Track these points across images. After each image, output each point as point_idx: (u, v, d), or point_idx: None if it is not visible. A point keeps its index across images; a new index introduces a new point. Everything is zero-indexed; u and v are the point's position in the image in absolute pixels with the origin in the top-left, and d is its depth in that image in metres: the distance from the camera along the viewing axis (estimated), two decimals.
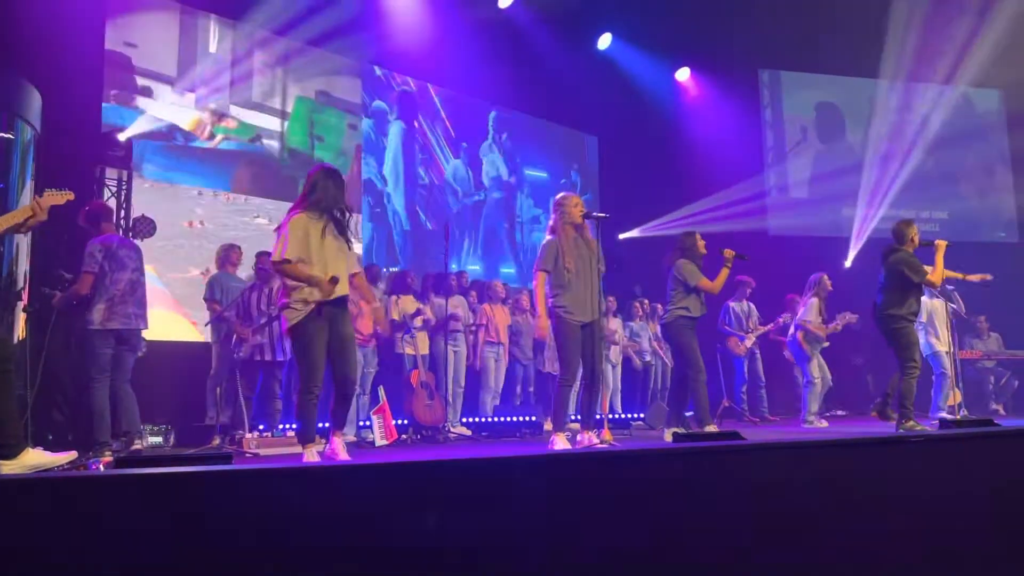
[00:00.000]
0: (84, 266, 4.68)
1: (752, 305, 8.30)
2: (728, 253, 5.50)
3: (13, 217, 3.44)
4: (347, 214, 4.12)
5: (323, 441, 4.55)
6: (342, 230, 4.07)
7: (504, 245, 10.07)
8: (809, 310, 7.30)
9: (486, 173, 9.98)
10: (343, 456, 3.97)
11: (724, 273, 5.45)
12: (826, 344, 7.41)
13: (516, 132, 10.41)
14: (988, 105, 11.81)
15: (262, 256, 5.92)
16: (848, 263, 10.32)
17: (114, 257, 4.73)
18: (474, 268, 9.35)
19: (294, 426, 5.79)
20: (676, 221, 10.23)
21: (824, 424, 7.16)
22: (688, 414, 5.82)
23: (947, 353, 7.21)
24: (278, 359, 5.90)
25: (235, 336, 5.75)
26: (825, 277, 7.45)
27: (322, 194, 4.00)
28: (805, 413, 7.26)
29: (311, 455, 3.92)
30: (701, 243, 5.61)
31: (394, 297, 6.70)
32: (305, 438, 3.97)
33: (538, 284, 4.66)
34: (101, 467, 3.47)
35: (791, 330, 7.46)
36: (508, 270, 9.97)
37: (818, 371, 7.29)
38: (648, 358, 8.60)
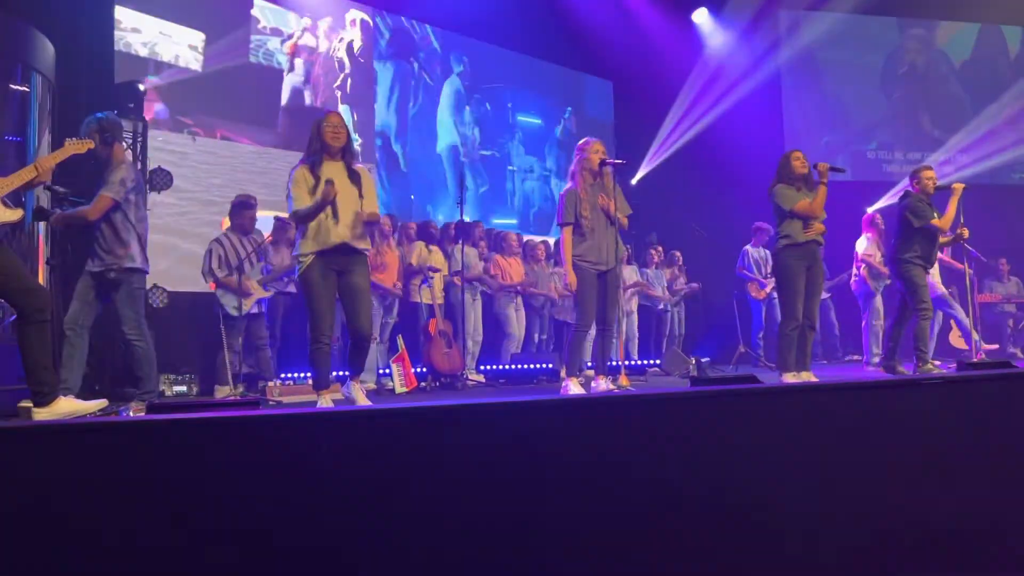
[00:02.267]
0: (106, 189, 3.97)
1: (769, 252, 8.26)
2: (822, 167, 4.94)
3: (18, 178, 3.44)
4: (347, 160, 4.01)
5: (339, 387, 4.63)
6: (353, 177, 4.01)
7: (498, 194, 9.96)
8: (869, 245, 7.21)
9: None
10: (362, 401, 4.03)
11: (822, 191, 4.88)
12: (888, 281, 7.36)
13: (508, 76, 10.17)
14: (1020, 44, 11.47)
15: (241, 208, 5.95)
16: (870, 209, 10.21)
17: (141, 191, 4.18)
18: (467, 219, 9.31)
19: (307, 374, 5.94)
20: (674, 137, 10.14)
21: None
22: (705, 359, 5.85)
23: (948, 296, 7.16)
24: (263, 311, 5.97)
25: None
26: (878, 215, 7.36)
27: (310, 141, 4.00)
28: (868, 356, 7.21)
29: (325, 401, 4.01)
30: (798, 163, 5.01)
31: (419, 243, 6.74)
32: (319, 385, 4.05)
33: (565, 239, 4.60)
34: (131, 414, 3.56)
35: (854, 270, 7.35)
36: (505, 220, 9.83)
37: (879, 312, 7.25)
38: (661, 306, 8.62)
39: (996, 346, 7.43)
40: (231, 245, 5.79)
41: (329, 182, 3.80)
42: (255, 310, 5.84)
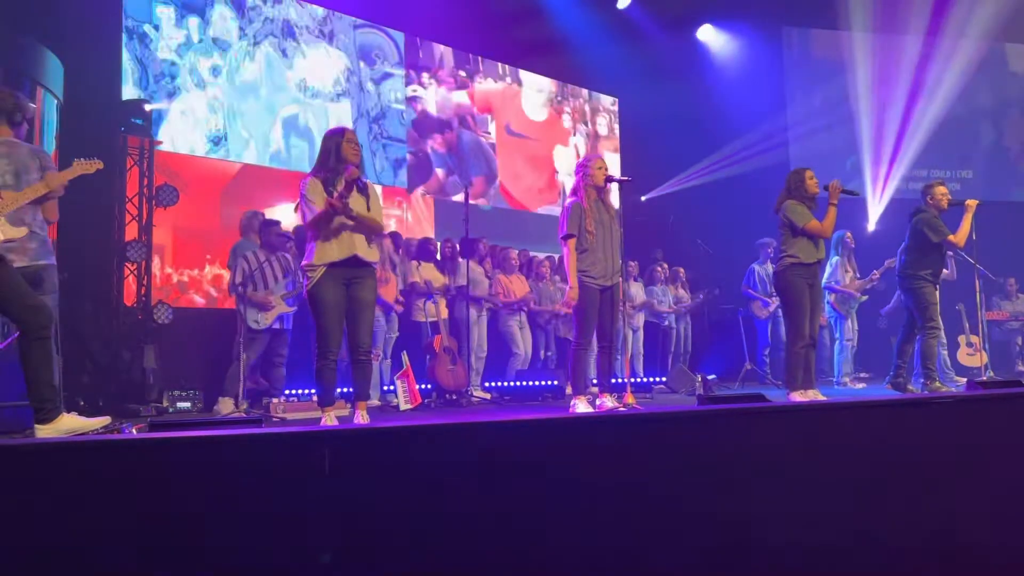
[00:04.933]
0: None
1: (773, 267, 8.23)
2: (834, 187, 4.92)
3: (24, 195, 3.43)
4: (353, 173, 3.96)
5: (347, 405, 4.60)
6: (361, 190, 4.02)
7: None
8: (836, 270, 7.25)
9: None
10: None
11: (832, 212, 4.90)
12: (863, 299, 7.39)
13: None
14: (1015, 61, 11.49)
15: (270, 225, 5.98)
16: (871, 226, 10.18)
17: None
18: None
19: (313, 391, 5.91)
20: (692, 176, 10.15)
21: (861, 385, 7.14)
22: (711, 377, 5.81)
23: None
24: (286, 327, 5.95)
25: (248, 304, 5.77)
26: (848, 235, 7.40)
27: (326, 156, 3.99)
28: (840, 375, 7.26)
29: (329, 419, 3.96)
30: (812, 181, 4.99)
31: (414, 263, 6.73)
32: (324, 402, 4.02)
33: (568, 252, 4.58)
34: (134, 431, 3.54)
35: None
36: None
37: (851, 332, 7.30)
38: (668, 321, 8.58)
39: (863, 382, 7.41)
40: (256, 260, 5.80)
41: (349, 166, 3.83)
42: (276, 326, 5.82)
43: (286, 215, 6.78)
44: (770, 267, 8.13)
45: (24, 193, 3.43)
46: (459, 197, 8.04)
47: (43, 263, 3.56)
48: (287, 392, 5.86)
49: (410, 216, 8.60)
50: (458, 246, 7.13)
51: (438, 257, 7.09)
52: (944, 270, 6.92)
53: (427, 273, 6.71)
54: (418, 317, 6.63)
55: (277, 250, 5.92)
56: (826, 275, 7.27)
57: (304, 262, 4.01)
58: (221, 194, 7.10)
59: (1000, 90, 11.24)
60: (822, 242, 4.95)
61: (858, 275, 7.37)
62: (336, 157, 3.96)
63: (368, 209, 4.02)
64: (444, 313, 6.64)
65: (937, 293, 5.51)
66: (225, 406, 5.50)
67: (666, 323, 8.56)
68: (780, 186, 5.13)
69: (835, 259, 7.31)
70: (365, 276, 4.02)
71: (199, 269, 6.84)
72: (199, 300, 6.73)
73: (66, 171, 3.59)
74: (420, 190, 8.87)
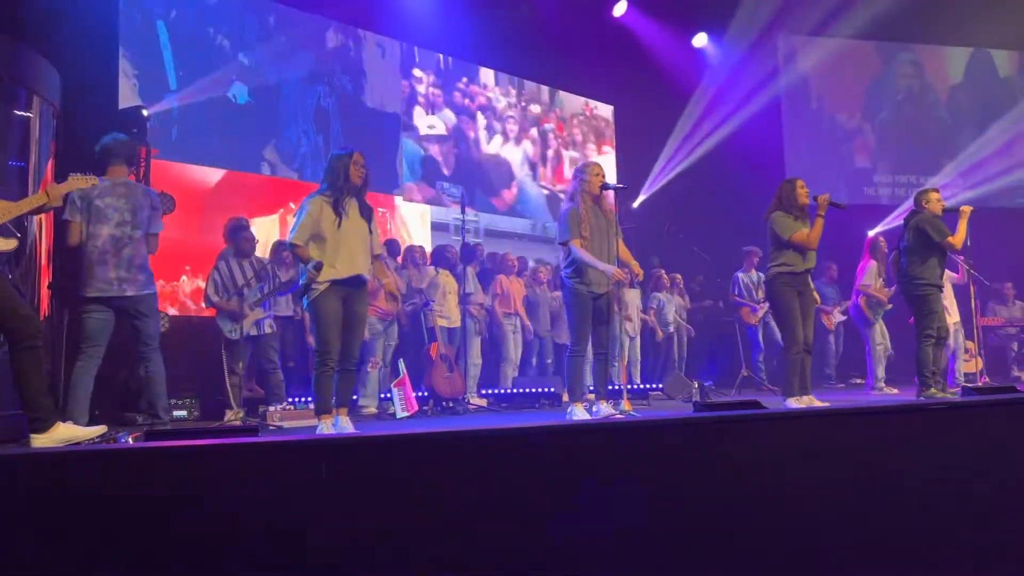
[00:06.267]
0: (64, 213, 4.00)
1: (762, 275, 8.22)
2: (822, 199, 4.91)
3: (26, 204, 3.48)
4: (361, 195, 4.21)
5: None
6: (365, 212, 4.20)
7: None
8: (868, 274, 7.18)
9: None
10: (349, 430, 4.02)
11: (819, 223, 4.89)
12: (889, 307, 7.32)
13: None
14: (1010, 68, 11.56)
15: (240, 231, 5.97)
16: (872, 232, 10.19)
17: (90, 206, 3.96)
18: None
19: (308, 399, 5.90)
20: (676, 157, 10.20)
21: (895, 391, 7.03)
22: (708, 384, 5.80)
23: (954, 324, 7.12)
24: (268, 332, 5.91)
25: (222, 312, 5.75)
26: (881, 239, 7.33)
27: (334, 177, 4.13)
28: (872, 380, 7.19)
29: (326, 427, 4.05)
30: (801, 192, 5.01)
31: (431, 269, 6.74)
32: (321, 410, 4.11)
33: (579, 251, 4.57)
34: (130, 440, 3.53)
35: (851, 296, 7.36)
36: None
37: (880, 336, 7.25)
38: (671, 329, 8.60)
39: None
40: (228, 270, 5.78)
41: (317, 266, 4.02)
42: (254, 332, 5.79)
43: (271, 225, 6.76)
44: (754, 274, 8.15)
45: (23, 203, 3.48)
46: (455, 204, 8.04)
47: (148, 292, 4.07)
48: (288, 400, 5.85)
49: (391, 228, 8.58)
50: (459, 253, 7.13)
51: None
52: (954, 275, 6.91)
53: (445, 280, 6.72)
54: (432, 323, 6.57)
55: (249, 255, 5.90)
56: (859, 279, 7.24)
57: (303, 280, 4.12)
58: (202, 203, 7.02)
59: (988, 97, 11.29)
60: (812, 251, 4.96)
61: (885, 281, 7.30)
62: (346, 180, 4.13)
63: (370, 232, 4.22)
64: (457, 321, 6.65)
65: (941, 299, 5.44)
66: (229, 416, 5.53)
67: (671, 330, 8.57)
68: (773, 193, 5.14)
69: (871, 264, 7.23)
70: (361, 292, 4.21)
71: (175, 280, 6.78)
72: (173, 312, 6.64)
73: (63, 184, 3.68)
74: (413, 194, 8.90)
